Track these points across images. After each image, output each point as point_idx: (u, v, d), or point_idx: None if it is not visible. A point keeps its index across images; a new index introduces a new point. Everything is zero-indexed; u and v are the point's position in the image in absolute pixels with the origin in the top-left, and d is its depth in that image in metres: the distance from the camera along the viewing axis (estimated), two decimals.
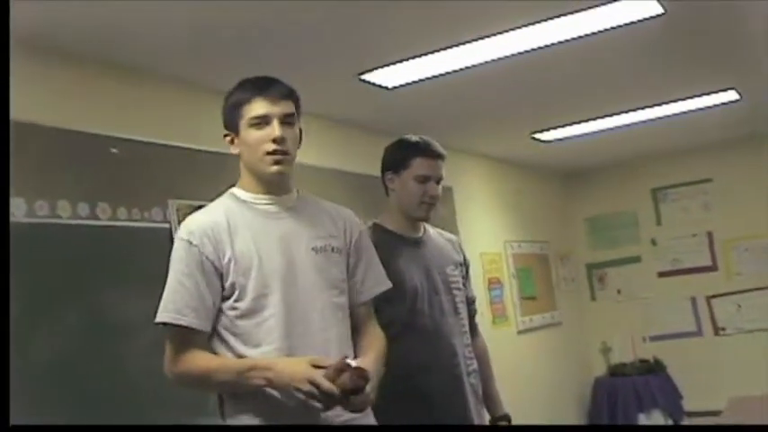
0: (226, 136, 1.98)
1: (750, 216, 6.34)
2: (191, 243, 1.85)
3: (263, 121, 1.91)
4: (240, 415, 1.86)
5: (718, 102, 4.86)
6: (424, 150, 2.48)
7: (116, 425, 2.55)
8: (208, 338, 1.88)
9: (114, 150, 2.84)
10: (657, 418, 6.18)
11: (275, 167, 1.92)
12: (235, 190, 2.01)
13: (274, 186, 1.97)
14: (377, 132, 4.22)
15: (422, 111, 4.14)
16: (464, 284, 2.66)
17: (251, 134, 1.91)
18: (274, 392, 1.79)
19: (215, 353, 1.87)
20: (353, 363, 1.77)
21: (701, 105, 4.90)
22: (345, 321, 2.00)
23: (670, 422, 6.20)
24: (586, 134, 5.38)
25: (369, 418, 1.97)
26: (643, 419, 6.18)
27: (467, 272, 2.71)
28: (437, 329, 2.46)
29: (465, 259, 2.72)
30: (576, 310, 7.00)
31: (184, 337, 1.82)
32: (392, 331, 2.39)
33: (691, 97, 4.71)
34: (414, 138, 2.52)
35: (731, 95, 4.75)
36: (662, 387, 6.29)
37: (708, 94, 4.68)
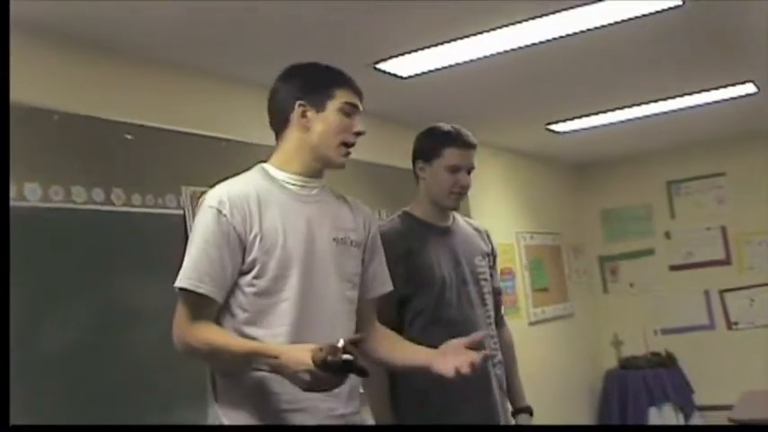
0: (300, 105, 1.94)
1: (764, 210, 6.29)
2: (220, 212, 1.81)
3: (352, 112, 1.96)
4: (231, 396, 1.84)
5: (734, 95, 4.81)
6: (456, 140, 2.47)
7: (117, 425, 2.55)
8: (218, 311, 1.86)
9: (129, 136, 2.85)
10: (668, 411, 6.16)
11: (343, 159, 1.97)
12: (266, 165, 1.98)
13: (316, 171, 1.98)
14: (390, 122, 4.22)
15: (436, 100, 4.12)
16: (491, 275, 2.65)
17: (338, 118, 1.94)
18: (271, 377, 1.77)
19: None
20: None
21: (716, 98, 4.85)
22: (352, 316, 2.00)
23: (681, 416, 6.18)
24: (601, 126, 5.35)
25: (366, 416, 1.99)
26: (654, 413, 6.16)
27: (494, 262, 2.70)
28: (465, 321, 2.44)
29: (493, 249, 2.70)
30: (589, 302, 6.98)
31: (198, 306, 1.79)
32: (420, 322, 2.39)
33: (707, 90, 4.68)
34: (446, 127, 2.51)
35: (748, 88, 4.70)
36: (673, 381, 6.27)
37: (724, 86, 4.64)
